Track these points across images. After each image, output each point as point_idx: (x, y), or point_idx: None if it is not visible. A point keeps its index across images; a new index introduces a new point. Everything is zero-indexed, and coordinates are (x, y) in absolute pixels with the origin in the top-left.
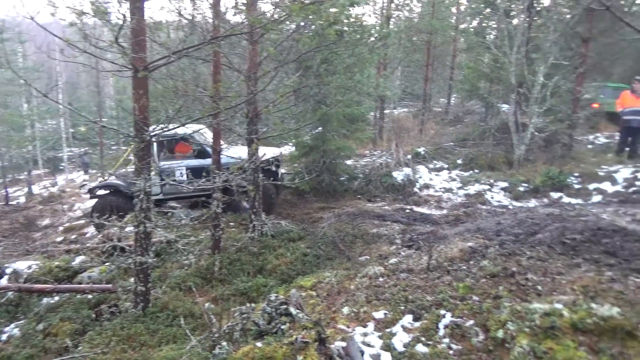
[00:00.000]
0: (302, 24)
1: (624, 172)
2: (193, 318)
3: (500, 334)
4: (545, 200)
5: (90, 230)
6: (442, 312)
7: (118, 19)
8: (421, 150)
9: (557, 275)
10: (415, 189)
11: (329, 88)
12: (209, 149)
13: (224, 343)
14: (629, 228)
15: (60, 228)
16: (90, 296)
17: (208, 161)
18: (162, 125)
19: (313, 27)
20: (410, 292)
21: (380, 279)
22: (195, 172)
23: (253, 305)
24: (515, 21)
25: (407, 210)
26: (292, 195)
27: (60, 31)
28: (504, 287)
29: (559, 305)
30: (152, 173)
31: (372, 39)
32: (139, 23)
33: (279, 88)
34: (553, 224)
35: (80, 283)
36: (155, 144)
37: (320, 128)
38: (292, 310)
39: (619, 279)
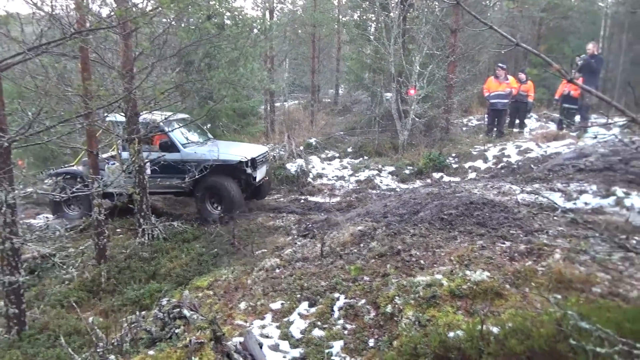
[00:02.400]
0: (174, 16)
1: (493, 150)
2: (79, 335)
3: (389, 308)
4: (429, 180)
5: None
6: (336, 295)
7: None
8: (313, 140)
9: (437, 248)
10: (309, 179)
11: (213, 83)
12: (177, 142)
13: (112, 357)
14: (495, 200)
15: None
16: None
17: (172, 156)
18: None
19: (192, 20)
20: (305, 280)
21: (277, 271)
22: (162, 167)
23: (143, 313)
24: (391, 14)
25: (302, 201)
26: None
27: None
28: (391, 265)
29: (438, 276)
30: (114, 166)
31: (255, 31)
32: None
33: (159, 84)
34: (433, 202)
35: None
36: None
37: (209, 124)
38: (186, 312)
39: (488, 246)
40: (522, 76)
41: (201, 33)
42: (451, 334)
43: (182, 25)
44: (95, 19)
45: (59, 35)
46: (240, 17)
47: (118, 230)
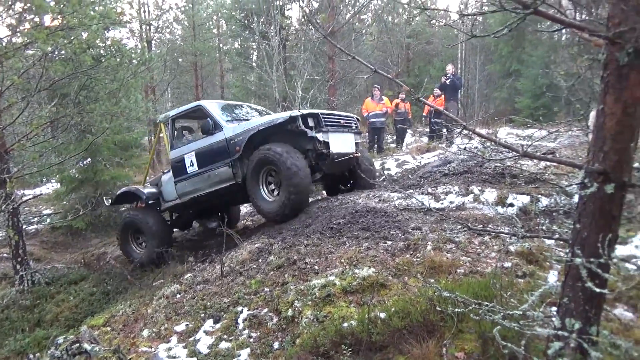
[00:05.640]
0: (49, 49)
1: (375, 165)
2: None
3: (290, 312)
4: (319, 197)
5: None
6: (239, 308)
7: None
8: None
9: (329, 254)
10: None
11: (93, 116)
12: (219, 119)
13: None
14: (377, 207)
15: None
16: None
17: (216, 137)
18: None
19: (63, 52)
20: (208, 299)
21: (178, 296)
22: (204, 156)
23: (38, 354)
24: (271, 42)
25: (195, 229)
26: (65, 235)
27: None
28: (288, 274)
29: (332, 277)
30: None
31: (135, 62)
32: None
33: (32, 119)
34: (322, 215)
35: None
36: (169, 127)
37: (89, 159)
38: (87, 346)
39: (372, 247)
40: (403, 96)
41: (75, 65)
42: (345, 324)
43: (57, 57)
44: None
45: None
46: (117, 47)
47: None
